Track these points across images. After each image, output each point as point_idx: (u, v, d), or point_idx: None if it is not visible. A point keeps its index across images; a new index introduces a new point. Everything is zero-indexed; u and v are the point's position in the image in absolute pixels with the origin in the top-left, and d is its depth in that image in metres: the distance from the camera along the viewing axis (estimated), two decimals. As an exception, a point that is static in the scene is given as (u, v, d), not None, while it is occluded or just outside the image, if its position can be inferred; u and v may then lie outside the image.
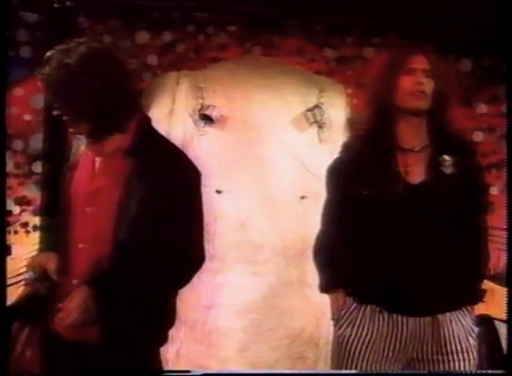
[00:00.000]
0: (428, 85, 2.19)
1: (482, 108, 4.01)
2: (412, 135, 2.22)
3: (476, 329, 2.24)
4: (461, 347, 2.22)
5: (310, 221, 3.36)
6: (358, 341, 2.22)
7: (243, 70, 3.48)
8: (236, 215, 3.37)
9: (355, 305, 2.24)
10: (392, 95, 2.20)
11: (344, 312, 2.26)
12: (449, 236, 2.17)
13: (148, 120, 2.05)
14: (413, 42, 2.34)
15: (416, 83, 2.19)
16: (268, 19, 3.62)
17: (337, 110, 3.48)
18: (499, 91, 4.05)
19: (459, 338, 2.22)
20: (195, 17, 3.62)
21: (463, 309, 2.23)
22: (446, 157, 2.19)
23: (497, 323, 3.76)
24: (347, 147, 2.33)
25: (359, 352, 2.22)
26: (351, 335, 2.23)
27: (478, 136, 3.80)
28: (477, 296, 2.28)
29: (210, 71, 3.59)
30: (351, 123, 3.52)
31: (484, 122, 3.87)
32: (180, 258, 1.89)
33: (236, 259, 3.37)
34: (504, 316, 2.99)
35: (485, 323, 3.25)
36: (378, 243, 2.19)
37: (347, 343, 2.21)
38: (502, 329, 3.81)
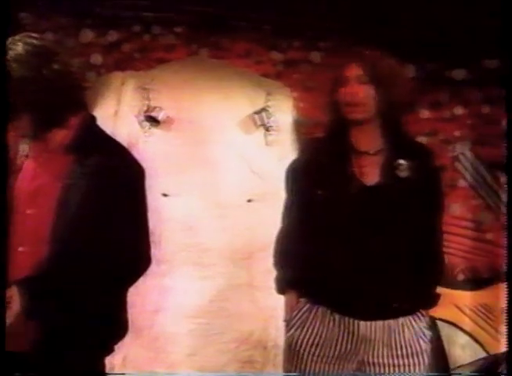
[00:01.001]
0: (364, 93, 2.13)
1: (425, 113, 3.99)
2: (366, 140, 2.20)
3: (428, 333, 2.20)
4: (412, 351, 2.18)
5: (257, 224, 3.35)
6: (307, 343, 2.17)
7: (190, 72, 3.42)
8: (183, 218, 3.29)
9: (307, 306, 2.19)
10: (337, 108, 2.19)
11: (295, 313, 2.21)
12: (404, 239, 2.13)
13: (93, 118, 2.00)
14: (347, 50, 2.27)
15: (349, 93, 2.15)
16: (216, 20, 3.59)
17: (284, 113, 3.45)
18: (441, 96, 4.09)
19: (410, 342, 2.17)
20: (141, 17, 3.56)
21: (417, 313, 2.18)
22: (401, 161, 2.15)
23: (440, 323, 3.76)
24: (304, 149, 2.36)
25: (308, 354, 2.17)
26: (300, 337, 2.18)
27: (421, 141, 3.77)
28: (432, 301, 2.24)
29: (156, 72, 3.52)
30: (298, 126, 3.56)
31: (427, 127, 3.87)
32: (125, 257, 1.81)
33: (183, 262, 3.29)
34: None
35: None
36: (331, 244, 2.15)
37: (296, 344, 2.17)
38: (444, 329, 3.81)
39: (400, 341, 2.16)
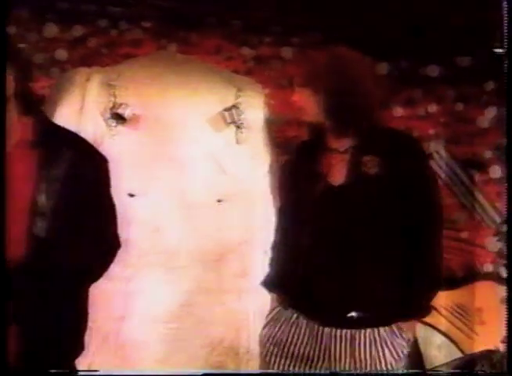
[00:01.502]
0: (299, 96, 2.08)
1: (398, 111, 3.93)
2: (338, 136, 2.11)
3: (405, 351, 2.02)
4: (379, 367, 2.02)
5: (227, 225, 3.24)
6: (276, 343, 2.14)
7: (157, 67, 3.26)
8: (150, 219, 3.16)
9: (279, 307, 2.16)
10: None
11: (270, 313, 2.20)
12: (375, 243, 2.00)
13: (44, 114, 2.06)
14: (319, 46, 2.15)
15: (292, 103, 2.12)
16: (185, 15, 3.57)
17: (256, 110, 3.32)
18: (415, 93, 4.03)
19: (376, 357, 1.99)
20: (108, 11, 3.54)
21: (393, 325, 2.01)
22: (368, 157, 2.00)
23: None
24: (291, 149, 2.30)
25: (277, 353, 2.14)
26: (271, 336, 2.16)
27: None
28: (411, 312, 2.06)
29: (122, 67, 3.36)
30: (269, 124, 3.46)
31: (400, 125, 3.78)
32: (95, 245, 1.90)
33: (150, 266, 3.15)
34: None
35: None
36: (301, 248, 2.06)
37: (266, 342, 2.18)
38: (421, 330, 3.72)
39: (365, 355, 1.97)
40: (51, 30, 3.47)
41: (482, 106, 4.03)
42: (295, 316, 2.11)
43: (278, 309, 2.16)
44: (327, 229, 2.02)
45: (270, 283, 2.17)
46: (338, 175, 2.03)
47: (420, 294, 2.05)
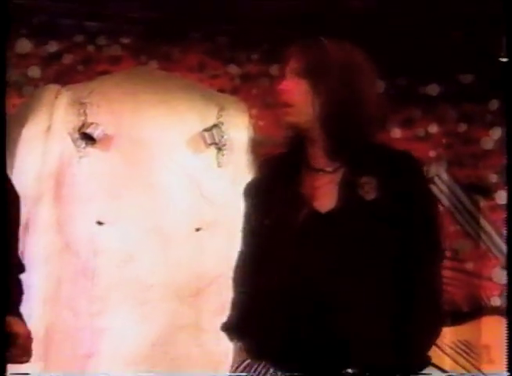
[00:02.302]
0: (297, 91, 1.65)
1: (396, 132, 3.71)
2: (321, 152, 1.72)
3: None
4: None
5: (206, 256, 3.06)
6: None
7: (133, 84, 3.17)
8: (120, 249, 3.01)
9: (248, 361, 1.75)
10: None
11: (235, 367, 1.78)
12: (369, 283, 1.65)
13: None
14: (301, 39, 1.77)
15: (280, 91, 1.66)
16: (167, 30, 3.38)
17: (239, 130, 3.21)
18: (414, 113, 3.80)
19: None
20: (84, 26, 3.37)
21: None
22: (366, 179, 1.66)
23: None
24: (259, 167, 1.92)
25: None
26: None
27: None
28: (414, 366, 1.69)
29: (95, 84, 3.22)
30: (256, 146, 3.26)
31: (399, 147, 3.41)
32: None
33: (120, 300, 2.98)
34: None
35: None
36: (278, 287, 1.68)
37: None
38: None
39: None
40: (24, 45, 3.29)
41: (486, 126, 3.80)
42: (271, 371, 1.72)
43: (245, 363, 1.77)
44: (311, 266, 1.66)
45: (236, 329, 1.78)
46: (326, 199, 1.69)
47: (420, 344, 1.68)
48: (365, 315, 1.64)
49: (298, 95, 1.64)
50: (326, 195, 1.69)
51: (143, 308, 2.99)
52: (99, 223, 3.01)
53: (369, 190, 1.66)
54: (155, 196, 3.08)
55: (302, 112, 1.66)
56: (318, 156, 1.72)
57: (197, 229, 3.10)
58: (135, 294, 3.00)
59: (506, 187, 2.17)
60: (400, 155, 1.75)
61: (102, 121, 3.05)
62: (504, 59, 2.40)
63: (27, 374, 1.96)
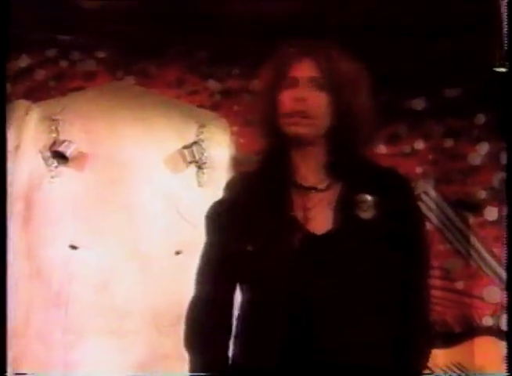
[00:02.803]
0: (314, 101, 1.54)
1: (382, 148, 3.61)
2: (313, 169, 1.60)
3: None
4: None
5: (187, 281, 2.83)
6: None
7: (108, 100, 3.09)
8: (96, 275, 2.91)
9: None
10: (275, 117, 1.57)
11: None
12: (370, 307, 1.54)
13: None
14: (306, 41, 1.63)
15: (294, 100, 1.54)
16: (144, 44, 3.28)
17: (220, 148, 3.13)
18: (399, 128, 3.70)
19: None
20: (57, 40, 3.27)
21: None
22: (364, 197, 1.54)
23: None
24: (231, 186, 1.70)
25: None
26: None
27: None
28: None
29: (68, 100, 3.13)
30: (237, 163, 3.18)
31: (384, 164, 3.28)
32: None
33: (96, 330, 2.87)
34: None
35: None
36: (266, 321, 1.54)
37: None
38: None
39: None
40: (-8, 60, 3.06)
41: (473, 141, 3.69)
42: None
43: None
44: (309, 291, 1.51)
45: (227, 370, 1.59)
46: (320, 220, 1.56)
47: (412, 366, 1.60)
48: (363, 341, 1.54)
49: (318, 108, 1.53)
50: (319, 216, 1.55)
51: (120, 338, 2.89)
52: (73, 247, 2.92)
53: (366, 209, 1.55)
54: (132, 218, 2.99)
55: (317, 124, 1.54)
56: (307, 172, 1.58)
57: (177, 253, 3.00)
58: (111, 323, 2.90)
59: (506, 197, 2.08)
60: (389, 172, 1.66)
61: (75, 138, 2.95)
62: (502, 70, 2.28)
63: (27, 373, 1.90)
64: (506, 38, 2.45)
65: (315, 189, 1.55)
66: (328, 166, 1.57)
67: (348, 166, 1.57)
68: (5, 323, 1.74)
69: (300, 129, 1.53)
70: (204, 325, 1.61)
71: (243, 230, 1.56)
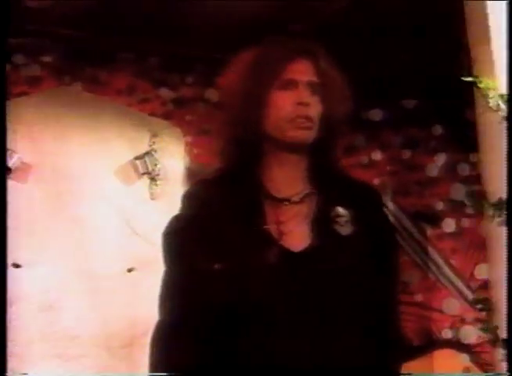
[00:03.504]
0: (314, 107, 1.44)
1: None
2: (288, 179, 1.47)
3: None
4: None
5: (141, 300, 2.77)
6: None
7: (55, 106, 2.98)
8: (41, 296, 2.78)
9: None
10: (260, 119, 1.44)
11: None
12: (351, 329, 1.42)
13: None
14: (298, 41, 1.53)
15: (298, 103, 1.43)
16: (93, 49, 3.18)
17: (174, 158, 3.07)
18: (357, 139, 3.70)
19: None
20: None
21: None
22: (341, 211, 1.43)
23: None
24: (189, 200, 1.54)
25: None
26: None
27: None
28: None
29: (9, 106, 2.80)
30: (191, 175, 3.09)
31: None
32: None
33: (40, 355, 2.74)
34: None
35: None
36: (239, 345, 1.40)
37: None
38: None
39: None
40: None
41: (431, 152, 3.73)
42: None
43: None
44: (285, 312, 1.39)
45: None
46: (296, 235, 1.43)
47: None
48: (339, 359, 1.43)
49: (317, 114, 1.43)
50: (295, 230, 1.43)
51: (68, 363, 2.76)
52: (15, 266, 2.79)
53: (344, 224, 1.44)
54: (80, 233, 2.88)
55: (314, 131, 1.43)
56: (281, 182, 1.46)
57: (129, 270, 2.91)
58: (58, 347, 2.77)
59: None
60: (364, 185, 1.58)
61: (18, 148, 2.85)
62: (469, 79, 2.21)
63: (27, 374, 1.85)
64: (471, 47, 2.43)
65: (288, 201, 1.43)
66: (306, 177, 1.46)
67: (327, 178, 1.47)
68: (4, 323, 1.66)
69: (301, 134, 1.43)
70: (172, 354, 1.45)
71: (208, 247, 1.42)
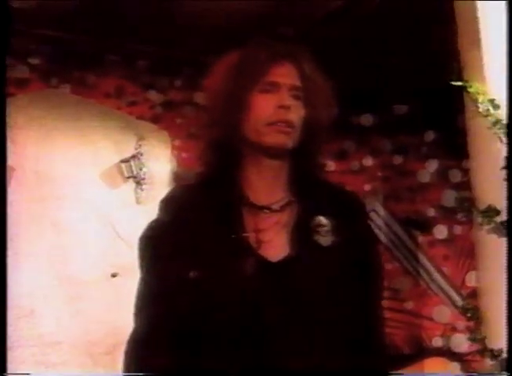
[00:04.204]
0: (296, 111, 1.39)
1: (330, 164, 3.50)
2: (268, 186, 1.42)
3: None
4: None
5: (124, 305, 2.64)
6: None
7: (40, 108, 2.91)
8: (20, 301, 2.70)
9: None
10: (240, 122, 1.40)
11: None
12: (329, 340, 1.37)
13: None
14: (282, 44, 1.50)
15: (279, 106, 1.38)
16: (81, 51, 3.13)
17: (160, 162, 3.02)
18: (347, 145, 3.68)
19: None
20: None
21: None
22: (322, 220, 1.37)
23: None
24: (167, 205, 1.49)
25: None
26: None
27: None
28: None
29: None
30: (178, 180, 3.05)
31: (332, 180, 3.18)
32: None
33: (21, 361, 2.66)
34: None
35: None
36: (218, 350, 1.35)
37: None
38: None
39: None
40: None
41: (422, 158, 3.69)
42: None
43: None
44: (264, 324, 1.34)
45: None
46: (275, 245, 1.39)
47: None
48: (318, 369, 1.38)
49: (299, 118, 1.38)
50: (274, 239, 1.37)
51: (49, 370, 2.69)
52: None
53: (325, 235, 1.39)
54: (63, 238, 2.81)
55: (295, 136, 1.38)
56: (262, 189, 1.40)
57: (113, 275, 2.84)
58: (38, 353, 2.70)
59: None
60: (346, 194, 1.53)
61: None
62: (459, 83, 2.17)
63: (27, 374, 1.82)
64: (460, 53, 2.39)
65: (268, 209, 1.38)
66: (287, 184, 1.41)
67: (308, 185, 1.42)
68: (4, 324, 1.65)
69: (281, 139, 1.37)
70: (144, 364, 1.40)
71: (185, 254, 1.37)
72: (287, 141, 1.37)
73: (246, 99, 1.37)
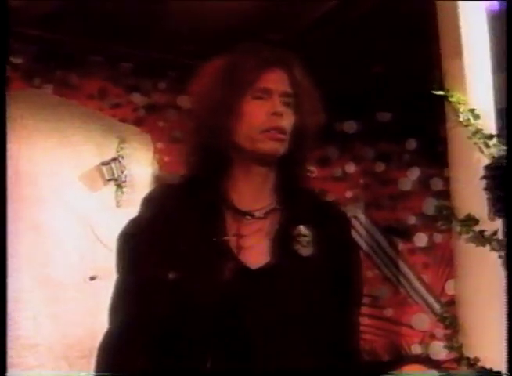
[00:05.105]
0: (288, 118, 1.37)
1: (312, 171, 3.35)
2: (253, 192, 1.40)
3: None
4: None
5: (102, 309, 2.59)
6: None
7: (20, 108, 2.85)
8: None
9: None
10: (230, 128, 1.37)
11: None
12: (304, 348, 1.35)
13: None
14: (272, 50, 1.45)
15: (272, 113, 1.36)
16: (64, 51, 3.11)
17: (142, 165, 2.99)
18: (330, 151, 3.67)
19: None
20: None
21: None
22: (304, 230, 1.37)
23: None
24: (148, 203, 1.47)
25: None
26: None
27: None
28: None
29: None
30: (160, 183, 2.99)
31: (315, 186, 3.16)
32: None
33: None
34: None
35: None
36: (194, 353, 1.33)
37: None
38: None
39: None
40: None
41: (404, 166, 3.68)
42: None
43: None
44: (242, 330, 1.34)
45: None
46: (255, 252, 1.38)
47: None
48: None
49: (290, 125, 1.36)
50: (255, 246, 1.36)
51: (25, 373, 2.66)
52: None
53: (306, 245, 1.38)
54: (41, 240, 2.77)
55: (286, 143, 1.36)
56: (246, 195, 1.40)
57: (91, 278, 2.80)
58: (14, 356, 2.62)
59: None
60: (329, 205, 1.51)
61: None
62: (440, 93, 2.18)
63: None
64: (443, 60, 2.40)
65: (251, 215, 1.37)
66: (272, 190, 1.40)
67: (293, 193, 1.41)
68: (4, 323, 1.61)
69: (274, 146, 1.36)
70: (117, 366, 1.39)
71: (164, 255, 1.35)
72: (280, 148, 1.36)
73: (237, 105, 1.36)
